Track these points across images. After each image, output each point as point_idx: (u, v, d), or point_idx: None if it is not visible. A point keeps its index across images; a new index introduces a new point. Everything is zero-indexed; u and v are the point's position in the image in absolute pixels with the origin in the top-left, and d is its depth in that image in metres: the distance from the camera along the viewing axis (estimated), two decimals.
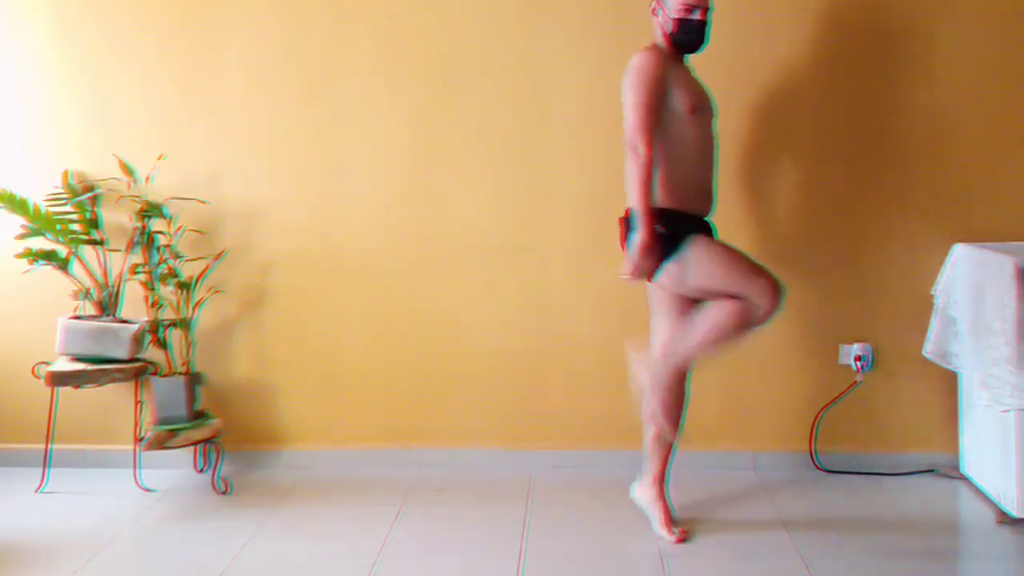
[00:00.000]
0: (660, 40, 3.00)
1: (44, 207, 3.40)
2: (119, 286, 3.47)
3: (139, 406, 3.43)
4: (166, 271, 3.43)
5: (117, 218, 3.50)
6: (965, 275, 3.22)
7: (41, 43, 3.54)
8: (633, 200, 2.83)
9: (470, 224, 3.53)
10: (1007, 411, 2.93)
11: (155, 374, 3.40)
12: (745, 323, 2.88)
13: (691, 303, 2.99)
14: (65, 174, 3.49)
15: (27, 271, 3.40)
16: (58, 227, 3.38)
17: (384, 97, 3.51)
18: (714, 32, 3.12)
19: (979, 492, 3.25)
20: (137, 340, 3.34)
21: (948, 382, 3.44)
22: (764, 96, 3.44)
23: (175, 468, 3.56)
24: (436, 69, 3.50)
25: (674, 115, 2.92)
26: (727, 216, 3.39)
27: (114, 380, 3.31)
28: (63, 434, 3.50)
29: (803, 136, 3.46)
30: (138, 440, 3.37)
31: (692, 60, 3.08)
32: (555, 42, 3.38)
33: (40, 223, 3.38)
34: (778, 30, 3.42)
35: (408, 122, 3.52)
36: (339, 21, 3.50)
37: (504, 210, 3.49)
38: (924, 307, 3.40)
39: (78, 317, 3.40)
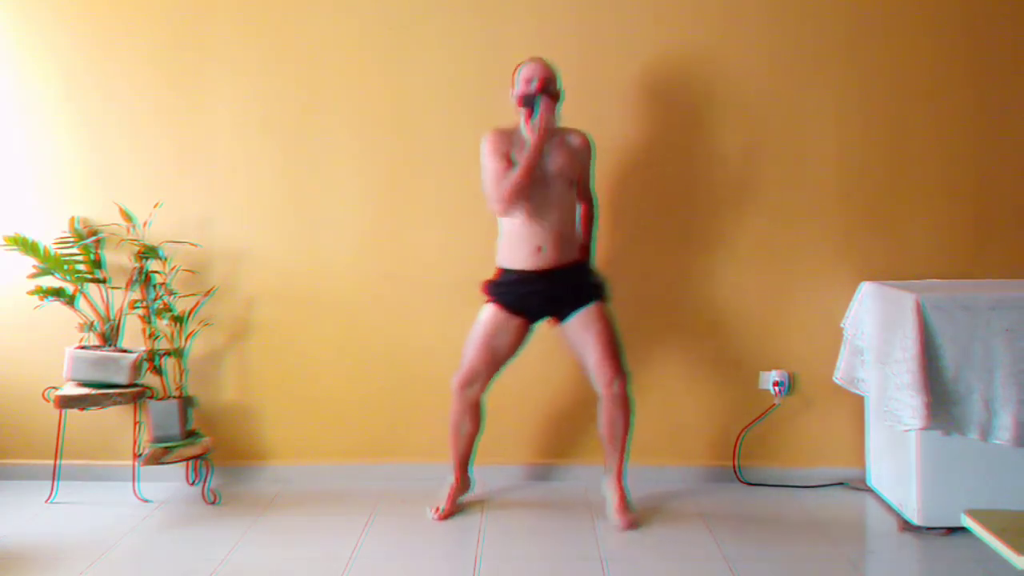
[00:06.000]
0: (521, 116, 3.21)
1: (53, 249, 3.49)
2: (120, 319, 3.55)
3: (137, 426, 3.54)
4: (161, 306, 3.51)
5: (118, 259, 3.59)
6: (871, 310, 3.38)
7: (51, 105, 3.64)
8: (523, 168, 3.10)
9: (428, 264, 3.64)
10: (907, 431, 3.07)
11: (152, 398, 3.46)
12: (457, 387, 3.29)
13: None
14: (72, 220, 3.59)
15: (38, 306, 3.49)
16: (65, 267, 3.47)
17: (354, 154, 3.64)
18: (654, 99, 3.37)
19: (883, 503, 3.39)
20: (136, 367, 3.42)
21: (856, 405, 3.60)
22: (694, 158, 3.60)
23: (170, 481, 3.65)
24: (400, 131, 3.62)
25: None
26: (662, 255, 3.62)
27: (115, 403, 3.38)
28: (70, 451, 3.60)
29: (730, 189, 3.60)
30: (137, 456, 3.46)
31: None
32: (503, 107, 3.40)
33: (50, 264, 3.46)
34: (708, 96, 3.58)
35: (374, 175, 3.64)
36: (314, 87, 3.63)
37: (458, 252, 3.60)
38: (835, 338, 3.56)
39: (83, 347, 3.47)
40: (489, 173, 3.18)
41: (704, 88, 3.59)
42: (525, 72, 3.19)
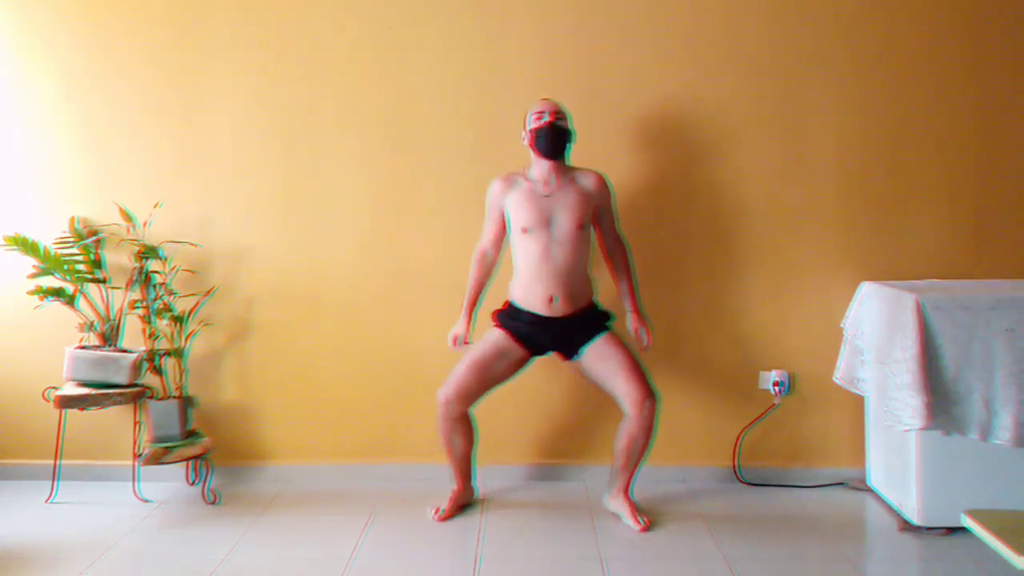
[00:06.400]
0: (532, 158, 3.23)
1: (53, 249, 3.50)
2: (120, 319, 3.56)
3: (137, 426, 3.56)
4: (161, 306, 3.52)
5: (118, 259, 3.60)
6: (871, 310, 3.38)
7: (51, 105, 3.65)
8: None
9: (427, 265, 3.65)
10: (907, 431, 3.08)
11: (152, 398, 3.47)
12: (443, 400, 3.27)
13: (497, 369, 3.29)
14: (72, 220, 3.60)
15: (38, 306, 3.51)
16: (65, 267, 3.48)
17: (354, 154, 3.65)
18: (653, 99, 3.37)
19: (883, 503, 3.41)
20: (136, 367, 3.43)
21: (856, 405, 3.60)
22: (694, 160, 3.59)
23: (170, 481, 3.67)
24: (398, 133, 3.64)
25: (513, 232, 3.26)
26: (662, 256, 3.61)
27: (115, 403, 3.39)
28: (70, 451, 3.62)
29: (729, 190, 3.60)
30: (137, 456, 3.47)
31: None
32: (502, 108, 3.53)
33: (50, 264, 3.47)
34: (708, 96, 3.58)
35: (373, 177, 3.65)
36: (314, 87, 3.64)
37: (456, 253, 3.57)
38: (835, 338, 3.57)
39: (83, 347, 3.48)
40: (485, 224, 3.36)
41: (704, 88, 3.59)
42: (536, 108, 3.22)
